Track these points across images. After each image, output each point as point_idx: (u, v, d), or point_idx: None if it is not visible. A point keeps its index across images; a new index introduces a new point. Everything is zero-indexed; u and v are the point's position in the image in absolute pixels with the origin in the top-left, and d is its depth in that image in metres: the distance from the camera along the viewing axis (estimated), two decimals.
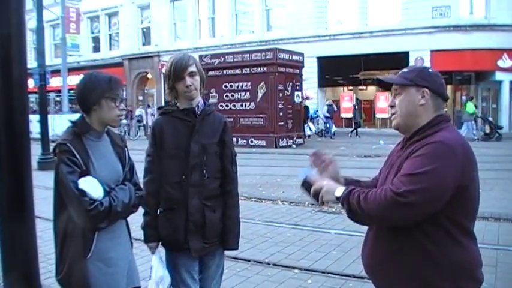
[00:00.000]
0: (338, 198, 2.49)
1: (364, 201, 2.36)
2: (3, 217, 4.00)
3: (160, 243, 3.55)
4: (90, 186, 2.80)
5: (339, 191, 2.50)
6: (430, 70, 2.61)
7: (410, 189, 2.24)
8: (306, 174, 2.70)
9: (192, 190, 3.39)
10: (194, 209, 3.39)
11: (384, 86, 2.77)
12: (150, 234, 3.50)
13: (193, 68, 3.38)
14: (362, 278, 5.51)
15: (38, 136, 15.24)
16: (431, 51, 28.27)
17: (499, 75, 28.16)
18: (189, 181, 3.38)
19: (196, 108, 3.46)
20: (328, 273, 5.95)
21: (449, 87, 30.53)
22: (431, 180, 2.26)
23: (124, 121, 28.62)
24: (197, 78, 3.41)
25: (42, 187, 8.18)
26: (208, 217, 3.43)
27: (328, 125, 29.05)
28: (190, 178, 3.39)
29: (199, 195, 3.40)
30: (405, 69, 2.64)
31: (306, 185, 2.68)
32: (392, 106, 2.63)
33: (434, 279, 2.38)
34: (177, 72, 3.36)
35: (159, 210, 3.54)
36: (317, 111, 30.57)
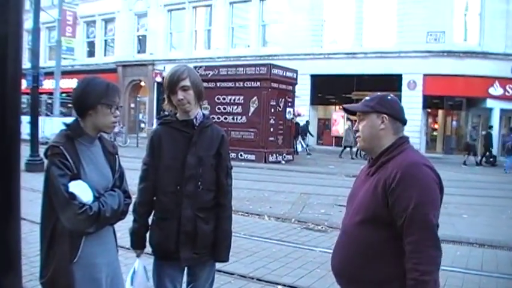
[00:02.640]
0: None
1: (427, 267, 2.48)
2: None
3: (144, 250, 3.58)
4: (81, 190, 2.79)
5: None
6: (389, 97, 2.85)
7: (433, 216, 2.52)
8: None
9: (185, 201, 3.41)
10: (186, 219, 3.41)
11: (350, 113, 3.04)
12: (137, 242, 3.55)
13: (185, 83, 3.39)
14: None
15: (28, 137, 15.15)
16: (424, 75, 28.53)
17: (489, 103, 28.40)
18: (183, 191, 3.41)
19: (195, 120, 3.50)
20: None
21: (440, 112, 30.80)
22: (433, 200, 2.57)
23: (115, 129, 28.52)
24: (190, 92, 3.42)
25: (29, 189, 8.13)
26: (200, 228, 3.45)
27: None
28: (184, 189, 3.41)
29: (192, 206, 3.43)
30: (367, 98, 2.88)
31: None
32: (356, 131, 2.91)
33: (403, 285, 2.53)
34: (170, 86, 3.42)
35: (152, 219, 3.57)
36: None
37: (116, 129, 28.36)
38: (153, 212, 3.58)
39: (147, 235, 3.58)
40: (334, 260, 2.89)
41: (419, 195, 2.50)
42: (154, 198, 3.52)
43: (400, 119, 2.82)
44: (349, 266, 2.74)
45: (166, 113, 3.63)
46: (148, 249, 3.60)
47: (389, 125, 2.77)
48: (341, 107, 3.10)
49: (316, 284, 6.09)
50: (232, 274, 6.31)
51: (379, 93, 2.88)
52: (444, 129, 32.01)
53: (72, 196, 2.75)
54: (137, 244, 3.55)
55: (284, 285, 6.07)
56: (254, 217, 10.21)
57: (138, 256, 3.57)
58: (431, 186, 2.56)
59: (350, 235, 2.77)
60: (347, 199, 2.99)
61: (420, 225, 2.48)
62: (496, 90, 27.91)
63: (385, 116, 2.76)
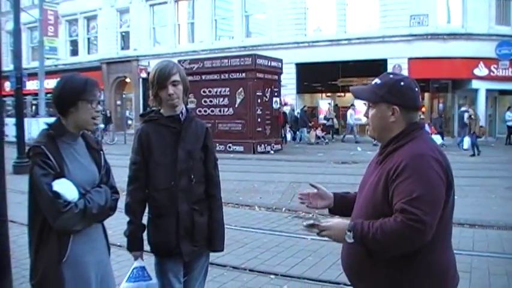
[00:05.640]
0: (352, 243, 2.48)
1: (382, 237, 2.34)
2: None
3: (142, 252, 3.55)
4: (65, 188, 2.78)
5: (349, 236, 2.44)
6: (402, 83, 2.56)
7: (423, 213, 2.27)
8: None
9: (181, 195, 3.43)
10: (184, 213, 3.44)
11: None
12: (134, 243, 3.51)
13: (176, 77, 3.43)
14: (338, 283, 5.54)
15: (14, 139, 15.10)
16: (409, 59, 28.53)
17: (475, 84, 28.53)
18: (178, 187, 3.43)
19: (181, 115, 3.52)
20: (304, 278, 5.95)
21: (426, 94, 30.85)
22: (432, 197, 2.32)
23: (101, 126, 28.38)
24: (180, 87, 3.46)
25: (18, 191, 8.08)
26: (197, 221, 3.49)
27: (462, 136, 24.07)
28: (179, 183, 3.43)
29: (188, 200, 3.46)
30: (378, 81, 2.63)
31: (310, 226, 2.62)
32: (366, 116, 2.70)
33: (411, 281, 2.44)
34: (160, 81, 3.41)
35: (147, 218, 3.56)
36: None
37: (102, 126, 28.20)
38: (146, 211, 3.57)
39: (144, 235, 3.56)
40: (343, 256, 2.74)
41: (419, 191, 2.29)
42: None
43: (414, 108, 2.60)
44: (355, 264, 2.61)
45: (150, 110, 3.64)
46: (146, 247, 3.56)
47: (401, 117, 2.54)
48: (350, 88, 2.80)
49: (309, 272, 6.12)
50: (224, 266, 6.32)
51: (391, 76, 2.63)
52: (431, 112, 32.13)
53: (56, 195, 2.74)
54: (135, 246, 3.51)
55: (277, 275, 6.09)
56: (244, 208, 10.25)
57: (136, 260, 3.50)
58: (435, 183, 2.34)
59: None
60: (358, 187, 2.81)
61: (406, 218, 2.27)
62: (481, 71, 28.03)
63: (396, 108, 2.53)
